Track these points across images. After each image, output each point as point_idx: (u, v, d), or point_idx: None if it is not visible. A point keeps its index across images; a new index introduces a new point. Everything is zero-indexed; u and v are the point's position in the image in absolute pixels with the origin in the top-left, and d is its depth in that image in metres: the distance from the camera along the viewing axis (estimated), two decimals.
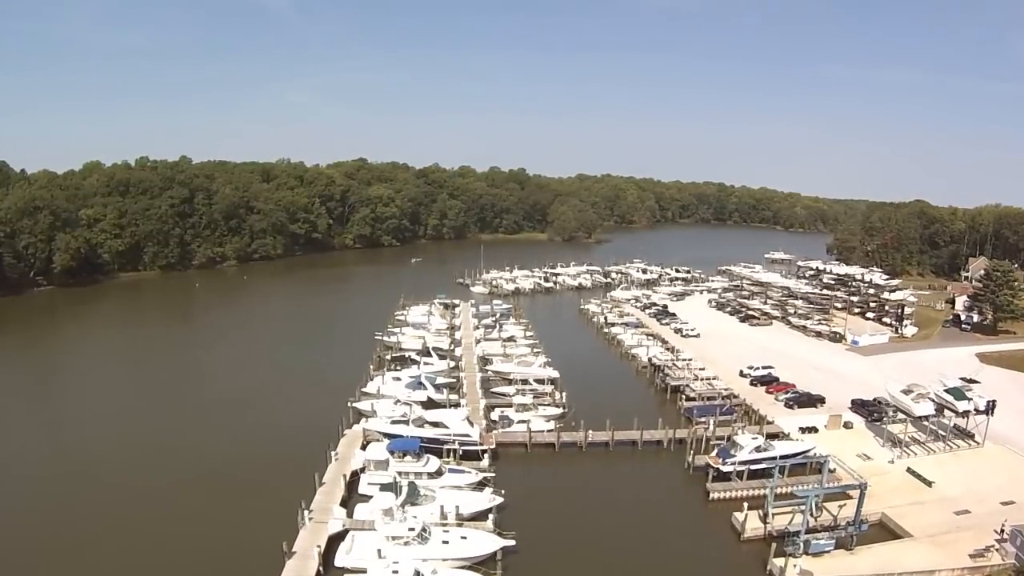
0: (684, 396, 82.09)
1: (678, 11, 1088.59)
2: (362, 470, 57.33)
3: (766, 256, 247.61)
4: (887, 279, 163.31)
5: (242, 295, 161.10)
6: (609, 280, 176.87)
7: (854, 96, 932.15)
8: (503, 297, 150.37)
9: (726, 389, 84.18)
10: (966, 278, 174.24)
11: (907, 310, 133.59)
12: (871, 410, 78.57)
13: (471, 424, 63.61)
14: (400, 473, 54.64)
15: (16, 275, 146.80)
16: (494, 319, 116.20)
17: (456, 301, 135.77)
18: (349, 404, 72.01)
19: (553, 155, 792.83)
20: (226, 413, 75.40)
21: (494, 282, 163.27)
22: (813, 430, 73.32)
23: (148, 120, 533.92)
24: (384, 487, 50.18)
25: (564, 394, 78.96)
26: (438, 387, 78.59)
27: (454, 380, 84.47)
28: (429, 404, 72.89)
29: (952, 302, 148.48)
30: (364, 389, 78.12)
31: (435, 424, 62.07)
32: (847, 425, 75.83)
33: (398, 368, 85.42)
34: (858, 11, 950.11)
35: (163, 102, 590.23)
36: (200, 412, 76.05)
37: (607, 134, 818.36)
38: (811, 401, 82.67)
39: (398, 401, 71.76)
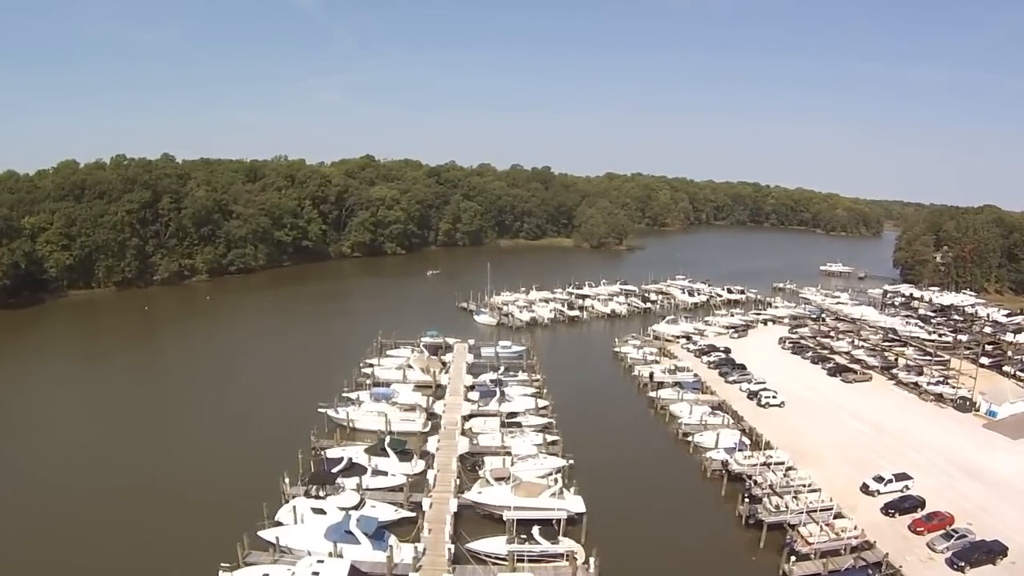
0: (792, 551, 48.88)
1: (708, 8, 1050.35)
2: None
3: (822, 268, 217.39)
4: (1008, 314, 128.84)
5: (196, 322, 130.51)
6: (648, 305, 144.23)
7: (888, 95, 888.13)
8: (514, 332, 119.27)
9: (855, 533, 51.57)
10: None
11: None
12: None
13: None
14: None
15: None
16: (494, 379, 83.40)
17: (451, 340, 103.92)
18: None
19: (580, 153, 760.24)
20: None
21: (504, 309, 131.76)
22: None
23: (165, 119, 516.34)
24: None
25: (594, 559, 45.25)
26: (379, 534, 46.86)
27: (411, 512, 51.82)
28: None
29: None
30: (262, 533, 47.25)
31: None
32: None
33: (323, 493, 51.65)
34: (891, 8, 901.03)
35: (182, 103, 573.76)
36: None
37: (636, 131, 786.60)
38: (988, 555, 50.25)
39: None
